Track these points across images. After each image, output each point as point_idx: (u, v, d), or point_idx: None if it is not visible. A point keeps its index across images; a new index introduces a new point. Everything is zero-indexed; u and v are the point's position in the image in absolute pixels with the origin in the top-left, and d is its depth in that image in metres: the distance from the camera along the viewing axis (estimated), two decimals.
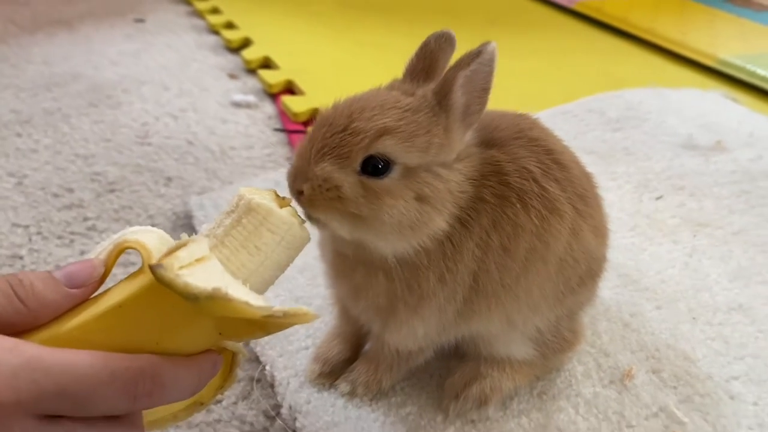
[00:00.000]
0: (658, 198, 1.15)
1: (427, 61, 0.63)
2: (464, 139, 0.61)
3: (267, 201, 0.53)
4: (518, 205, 0.62)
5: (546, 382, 0.79)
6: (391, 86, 0.63)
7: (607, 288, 0.93)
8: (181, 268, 0.44)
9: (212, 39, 1.96)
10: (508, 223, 0.62)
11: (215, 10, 2.14)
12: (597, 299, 0.88)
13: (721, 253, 1.02)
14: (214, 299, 0.42)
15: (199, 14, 2.15)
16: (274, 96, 1.58)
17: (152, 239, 0.51)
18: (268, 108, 1.53)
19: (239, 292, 0.44)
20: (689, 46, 1.87)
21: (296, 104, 1.46)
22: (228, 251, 0.50)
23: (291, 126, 1.43)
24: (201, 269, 0.46)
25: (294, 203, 0.57)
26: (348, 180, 0.56)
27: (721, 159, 1.26)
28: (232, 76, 1.70)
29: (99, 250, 0.54)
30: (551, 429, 0.73)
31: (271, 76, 1.62)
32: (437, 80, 0.59)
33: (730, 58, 1.75)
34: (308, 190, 0.56)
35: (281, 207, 0.55)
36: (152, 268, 0.43)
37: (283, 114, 1.48)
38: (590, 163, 0.74)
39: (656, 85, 1.59)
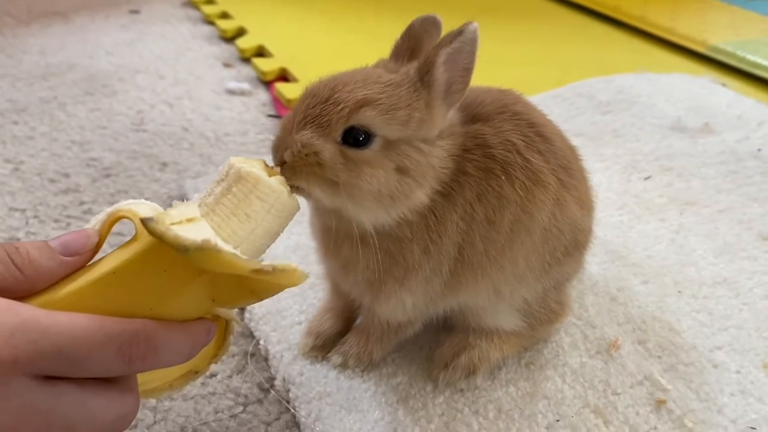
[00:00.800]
0: (646, 178, 1.17)
1: (411, 43, 0.65)
2: (447, 116, 0.62)
3: (256, 170, 0.55)
4: (503, 177, 0.64)
5: (533, 352, 0.81)
6: (377, 65, 0.65)
7: (595, 263, 0.95)
8: (172, 224, 0.46)
9: (207, 29, 1.97)
10: (493, 195, 0.64)
11: (210, 1, 2.15)
12: (584, 274, 0.90)
13: (707, 230, 1.04)
14: (203, 250, 0.43)
15: (193, 5, 2.16)
16: (268, 83, 1.60)
17: (145, 210, 0.53)
18: (262, 95, 1.54)
19: (228, 248, 0.46)
20: (680, 34, 1.88)
21: (290, 91, 1.47)
22: (219, 219, 0.51)
23: (285, 112, 1.44)
24: (192, 227, 0.47)
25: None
26: (328, 147, 0.57)
27: (708, 140, 1.28)
28: (227, 65, 1.71)
29: (94, 222, 0.55)
30: (538, 397, 0.75)
31: (265, 64, 1.63)
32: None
33: (721, 44, 1.76)
34: (289, 157, 0.57)
35: (270, 176, 0.56)
36: (144, 222, 0.45)
37: (277, 101, 1.50)
38: (580, 146, 0.75)
39: (648, 71, 1.60)
